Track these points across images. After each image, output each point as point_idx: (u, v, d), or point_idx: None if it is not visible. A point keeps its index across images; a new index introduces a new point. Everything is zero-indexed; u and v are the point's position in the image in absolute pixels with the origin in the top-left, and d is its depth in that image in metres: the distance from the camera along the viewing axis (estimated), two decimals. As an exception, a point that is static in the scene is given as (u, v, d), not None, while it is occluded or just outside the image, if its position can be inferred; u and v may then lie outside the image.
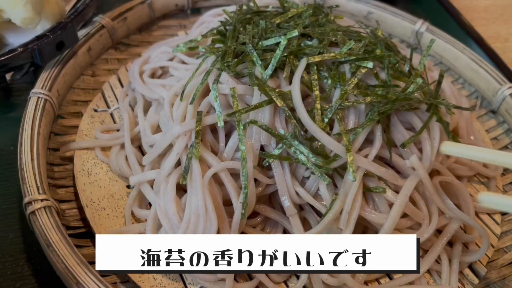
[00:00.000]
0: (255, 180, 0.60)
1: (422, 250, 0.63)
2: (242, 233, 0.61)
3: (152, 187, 0.64)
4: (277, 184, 0.60)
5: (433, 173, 0.65)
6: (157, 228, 0.61)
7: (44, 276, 0.62)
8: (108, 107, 0.79)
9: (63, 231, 0.57)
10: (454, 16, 1.12)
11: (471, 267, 0.65)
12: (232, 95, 0.61)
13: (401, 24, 0.96)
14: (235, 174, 0.61)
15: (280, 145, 0.59)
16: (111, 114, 0.78)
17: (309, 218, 0.62)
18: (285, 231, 0.63)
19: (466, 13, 1.15)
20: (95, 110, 0.77)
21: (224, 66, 0.63)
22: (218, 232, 0.57)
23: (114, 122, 0.77)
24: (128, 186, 0.68)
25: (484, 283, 0.64)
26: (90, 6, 0.79)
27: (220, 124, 0.61)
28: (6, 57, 0.67)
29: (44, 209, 0.58)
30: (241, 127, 0.59)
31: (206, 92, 0.66)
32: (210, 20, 0.89)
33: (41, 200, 0.58)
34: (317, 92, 0.60)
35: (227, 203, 0.61)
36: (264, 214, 0.63)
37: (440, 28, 0.94)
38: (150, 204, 0.66)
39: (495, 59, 0.97)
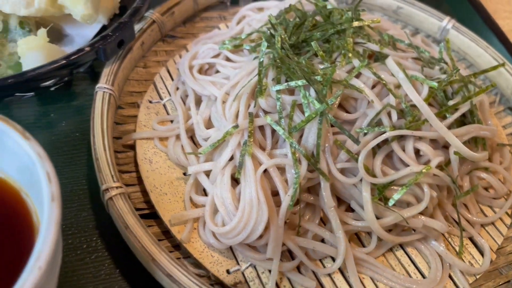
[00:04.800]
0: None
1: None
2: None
3: (207, 176, 0.73)
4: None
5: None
6: (214, 213, 0.71)
7: (115, 248, 0.72)
8: (161, 98, 0.87)
9: (136, 214, 0.67)
10: (477, 9, 1.17)
11: (481, 252, 0.75)
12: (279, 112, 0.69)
13: (429, 20, 1.02)
14: (280, 168, 0.70)
15: None
16: (164, 105, 0.86)
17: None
18: (322, 219, 0.73)
19: (489, 5, 1.20)
20: (150, 102, 0.86)
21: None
22: (268, 220, 0.66)
23: (167, 113, 0.85)
24: (184, 174, 0.77)
25: (492, 267, 0.73)
26: (145, 4, 0.86)
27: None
28: (76, 55, 0.75)
29: (119, 195, 0.67)
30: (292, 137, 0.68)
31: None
32: (250, 14, 0.96)
33: (116, 188, 0.68)
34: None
35: (273, 193, 0.70)
36: (305, 201, 0.72)
37: (463, 19, 1.02)
38: (204, 191, 0.75)
39: (515, 57, 1.03)
